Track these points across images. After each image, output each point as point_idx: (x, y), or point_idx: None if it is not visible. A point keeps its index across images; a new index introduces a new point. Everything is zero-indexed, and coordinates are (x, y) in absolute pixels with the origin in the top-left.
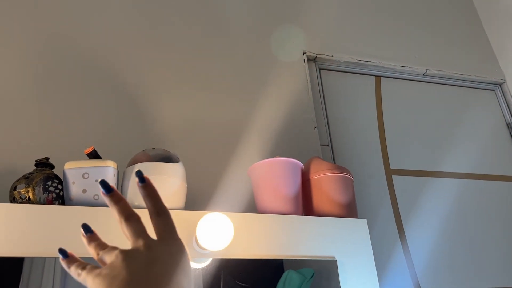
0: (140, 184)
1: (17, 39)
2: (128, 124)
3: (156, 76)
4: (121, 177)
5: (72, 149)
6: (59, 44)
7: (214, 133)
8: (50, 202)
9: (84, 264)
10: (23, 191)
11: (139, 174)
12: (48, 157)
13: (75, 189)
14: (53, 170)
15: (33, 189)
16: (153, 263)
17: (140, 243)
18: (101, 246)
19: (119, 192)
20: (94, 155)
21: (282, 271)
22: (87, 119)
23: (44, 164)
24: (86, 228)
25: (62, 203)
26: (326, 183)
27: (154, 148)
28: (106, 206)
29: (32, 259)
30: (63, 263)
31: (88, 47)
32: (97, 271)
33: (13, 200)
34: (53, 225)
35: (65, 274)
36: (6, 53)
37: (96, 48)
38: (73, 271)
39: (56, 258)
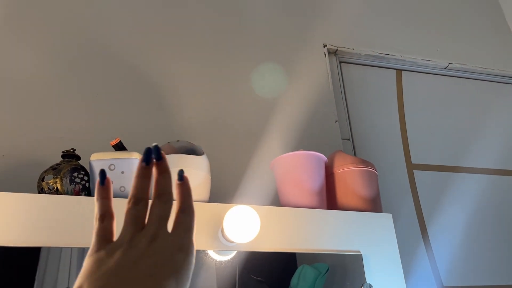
0: (177, 182)
1: (43, 33)
2: (152, 117)
3: (180, 70)
4: None
5: (98, 141)
6: (84, 38)
7: (237, 127)
8: (77, 193)
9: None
10: (51, 181)
11: (180, 173)
12: (74, 148)
13: None
14: (79, 162)
15: (61, 180)
16: (152, 255)
17: (153, 229)
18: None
19: (167, 163)
20: (120, 146)
21: (296, 266)
22: (112, 112)
23: (70, 156)
24: (102, 175)
25: (88, 194)
26: (351, 177)
27: (178, 141)
28: None
29: (49, 249)
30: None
31: (113, 41)
32: (98, 248)
33: (41, 190)
34: (81, 216)
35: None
36: (32, 47)
37: (122, 41)
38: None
39: (79, 249)
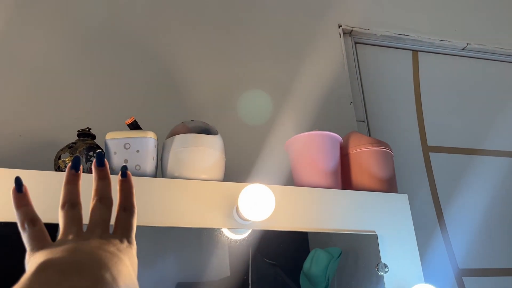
0: (120, 178)
1: (57, 14)
2: (166, 97)
3: (193, 50)
4: (161, 148)
5: (112, 120)
6: (98, 19)
7: (250, 108)
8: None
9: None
10: (67, 159)
11: (124, 169)
12: (89, 127)
13: (116, 159)
14: (94, 141)
15: None
16: (102, 244)
17: (98, 231)
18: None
19: (108, 171)
20: (134, 125)
21: (308, 250)
22: (126, 92)
23: (86, 135)
24: (18, 183)
25: None
26: (366, 158)
27: (193, 120)
28: (149, 176)
29: None
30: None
31: (126, 21)
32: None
33: (58, 168)
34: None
35: None
36: (46, 29)
37: (135, 22)
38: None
39: None
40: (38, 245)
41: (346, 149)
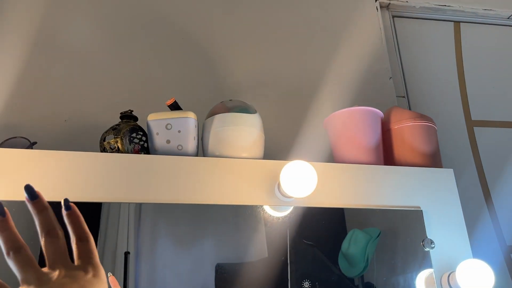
0: (65, 212)
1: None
2: (205, 77)
3: (229, 28)
4: (201, 128)
5: (153, 102)
6: (137, 4)
7: (288, 85)
8: (137, 152)
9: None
10: (112, 141)
11: (66, 202)
12: (131, 110)
13: (159, 139)
14: (137, 122)
15: (121, 139)
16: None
17: (59, 266)
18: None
19: (44, 200)
20: (175, 106)
21: (345, 231)
22: (166, 73)
23: (128, 116)
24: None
25: (147, 153)
26: (409, 133)
27: (231, 100)
28: (191, 155)
29: (109, 204)
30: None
31: (164, 5)
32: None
33: (103, 150)
34: (141, 172)
35: (139, 219)
36: (88, 15)
37: (172, 5)
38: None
39: (136, 204)
40: (24, 277)
41: (388, 125)
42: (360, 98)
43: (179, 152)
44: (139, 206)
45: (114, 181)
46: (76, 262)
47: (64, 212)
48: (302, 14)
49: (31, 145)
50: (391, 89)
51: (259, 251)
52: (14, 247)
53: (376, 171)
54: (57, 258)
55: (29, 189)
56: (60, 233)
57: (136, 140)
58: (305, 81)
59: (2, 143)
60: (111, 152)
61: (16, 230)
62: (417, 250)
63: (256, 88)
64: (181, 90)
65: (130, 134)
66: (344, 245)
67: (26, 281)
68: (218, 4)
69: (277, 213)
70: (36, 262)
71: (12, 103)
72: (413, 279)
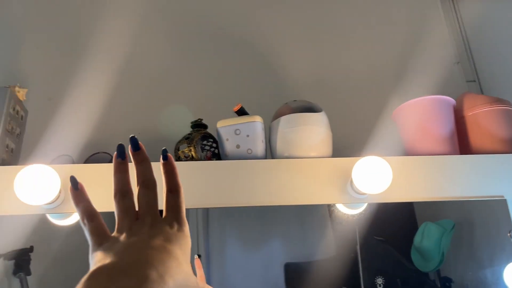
0: (162, 161)
1: (167, 18)
2: (267, 80)
3: (286, 28)
4: (267, 131)
5: (221, 109)
6: (202, 19)
7: (351, 80)
8: (209, 159)
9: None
10: (186, 150)
11: (164, 152)
12: (201, 118)
13: (229, 145)
14: (207, 130)
15: (194, 147)
16: (151, 238)
17: (148, 219)
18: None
19: (145, 152)
20: (242, 111)
21: (416, 224)
22: (229, 81)
23: (199, 125)
24: (73, 181)
25: (218, 159)
26: (485, 119)
27: (295, 100)
28: (260, 158)
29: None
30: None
31: (226, 18)
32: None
33: (177, 159)
34: (216, 178)
35: (207, 223)
36: (159, 34)
37: (230, 12)
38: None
39: (203, 209)
40: (97, 241)
41: (461, 112)
42: (427, 86)
43: (249, 156)
44: (206, 211)
45: (190, 188)
46: (164, 214)
47: (161, 162)
48: (358, 6)
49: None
50: (460, 75)
51: (327, 249)
52: (122, 192)
53: (452, 162)
54: (148, 210)
55: (133, 140)
56: (154, 185)
57: (207, 147)
58: (369, 74)
59: (87, 159)
60: (186, 161)
61: (127, 174)
62: (503, 242)
63: (319, 85)
64: (245, 95)
65: (202, 142)
66: (417, 239)
67: (119, 228)
68: (274, 6)
69: (351, 211)
70: (134, 211)
71: (94, 122)
72: (501, 272)
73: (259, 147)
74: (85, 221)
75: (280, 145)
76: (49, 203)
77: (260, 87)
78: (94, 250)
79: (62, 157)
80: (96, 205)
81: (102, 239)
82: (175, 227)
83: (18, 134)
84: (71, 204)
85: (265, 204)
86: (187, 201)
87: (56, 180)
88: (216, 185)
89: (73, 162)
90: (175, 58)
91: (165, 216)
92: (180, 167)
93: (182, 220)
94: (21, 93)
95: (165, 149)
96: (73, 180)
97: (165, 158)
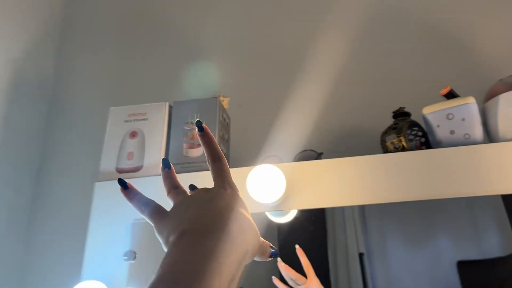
0: (199, 133)
1: (349, 19)
2: (461, 61)
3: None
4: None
5: (422, 96)
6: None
7: None
8: (419, 148)
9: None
10: (395, 140)
11: (199, 123)
12: (403, 107)
13: (441, 131)
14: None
15: (404, 137)
16: (209, 202)
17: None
18: (174, 185)
19: (210, 133)
20: (452, 94)
21: None
22: (433, 65)
23: (402, 114)
24: (165, 163)
25: (428, 147)
26: None
27: (511, 75)
28: (479, 143)
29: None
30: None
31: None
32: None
33: (386, 151)
34: (426, 168)
35: (364, 218)
36: (338, 36)
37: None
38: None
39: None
40: (178, 198)
41: None
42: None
43: (467, 141)
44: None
45: (397, 181)
46: (214, 182)
47: (198, 133)
48: None
49: (318, 156)
50: None
51: (506, 245)
52: (173, 187)
53: None
54: (219, 181)
55: (198, 123)
56: (221, 158)
57: (411, 137)
58: None
59: (295, 157)
60: (395, 152)
61: (174, 178)
62: None
63: None
64: (449, 77)
65: (410, 131)
66: None
67: (177, 206)
68: None
69: None
70: (185, 193)
71: (301, 122)
72: None
73: (478, 131)
74: (171, 191)
75: (502, 127)
76: (276, 201)
77: (452, 68)
78: (177, 199)
79: (271, 158)
80: (309, 202)
81: (183, 195)
82: (228, 189)
83: (227, 139)
84: (292, 201)
85: (486, 194)
86: (393, 193)
87: (281, 178)
88: (429, 175)
89: (281, 162)
90: (354, 53)
91: (215, 183)
92: (392, 159)
93: (232, 183)
94: (225, 102)
95: (198, 120)
96: (164, 161)
97: (201, 129)
